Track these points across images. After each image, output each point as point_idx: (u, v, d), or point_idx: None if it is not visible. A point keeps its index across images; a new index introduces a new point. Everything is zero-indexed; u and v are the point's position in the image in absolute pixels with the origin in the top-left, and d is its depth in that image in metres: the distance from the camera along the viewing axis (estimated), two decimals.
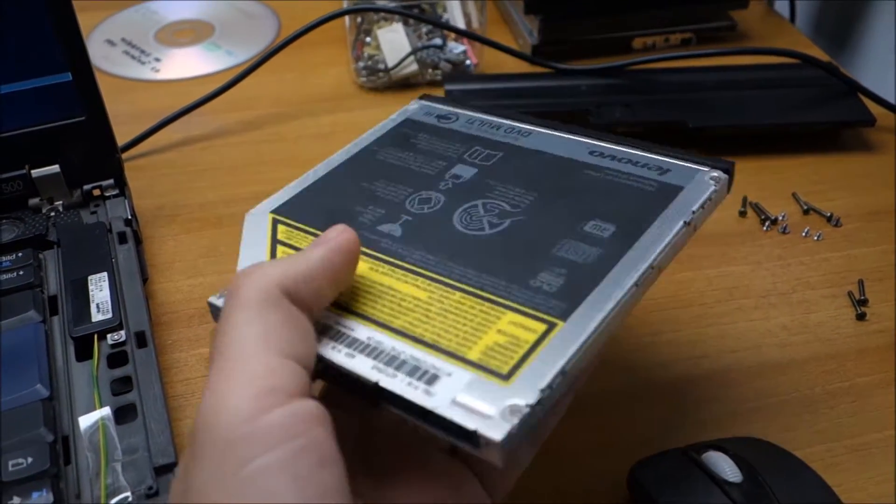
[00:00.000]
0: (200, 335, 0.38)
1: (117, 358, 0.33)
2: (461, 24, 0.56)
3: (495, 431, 0.20)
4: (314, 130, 0.52)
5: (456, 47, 0.56)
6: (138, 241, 0.41)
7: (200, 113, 0.52)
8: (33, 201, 0.41)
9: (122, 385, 0.32)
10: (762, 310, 0.38)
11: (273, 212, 0.31)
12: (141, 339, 0.34)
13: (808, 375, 0.35)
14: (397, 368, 0.23)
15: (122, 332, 0.34)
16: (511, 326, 0.23)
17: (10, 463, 0.28)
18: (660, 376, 0.35)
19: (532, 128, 0.33)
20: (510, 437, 0.20)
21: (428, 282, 0.25)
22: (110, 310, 0.35)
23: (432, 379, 0.22)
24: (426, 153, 0.32)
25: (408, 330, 0.24)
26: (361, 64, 0.56)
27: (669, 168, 0.29)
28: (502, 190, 0.29)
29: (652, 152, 0.30)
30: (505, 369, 0.22)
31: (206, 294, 0.40)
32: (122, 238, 0.39)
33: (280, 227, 0.29)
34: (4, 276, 0.36)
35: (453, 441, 0.21)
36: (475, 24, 0.57)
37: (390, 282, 0.25)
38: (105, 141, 0.42)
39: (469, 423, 0.21)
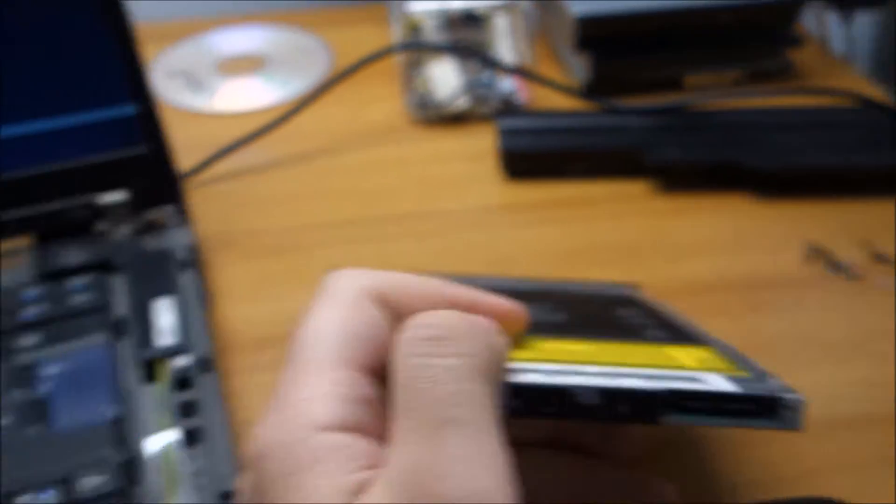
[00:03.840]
0: (260, 362, 0.38)
1: (182, 382, 0.34)
2: (511, 61, 0.57)
3: (794, 395, 0.21)
4: (367, 163, 0.53)
5: (506, 83, 0.57)
6: (200, 268, 0.42)
7: (255, 144, 0.53)
8: (99, 227, 0.42)
9: (186, 409, 0.32)
10: (834, 362, 0.37)
11: None
12: (206, 365, 0.34)
13: (887, 433, 0.34)
14: (661, 380, 0.21)
15: (187, 357, 0.34)
16: (683, 354, 0.24)
17: (83, 480, 0.29)
18: (729, 432, 0.34)
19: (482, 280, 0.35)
20: (804, 402, 0.21)
21: (578, 340, 0.25)
22: (175, 334, 0.35)
23: (692, 379, 0.21)
24: None
25: (621, 363, 0.23)
26: (412, 99, 0.57)
27: None
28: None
29: None
30: (738, 372, 0.23)
31: (264, 321, 0.40)
32: (185, 264, 0.40)
33: None
34: (76, 298, 0.37)
35: (744, 424, 0.21)
36: (526, 60, 0.58)
37: (550, 345, 0.25)
38: (167, 170, 0.43)
39: (776, 393, 0.21)
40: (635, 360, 0.23)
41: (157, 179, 0.43)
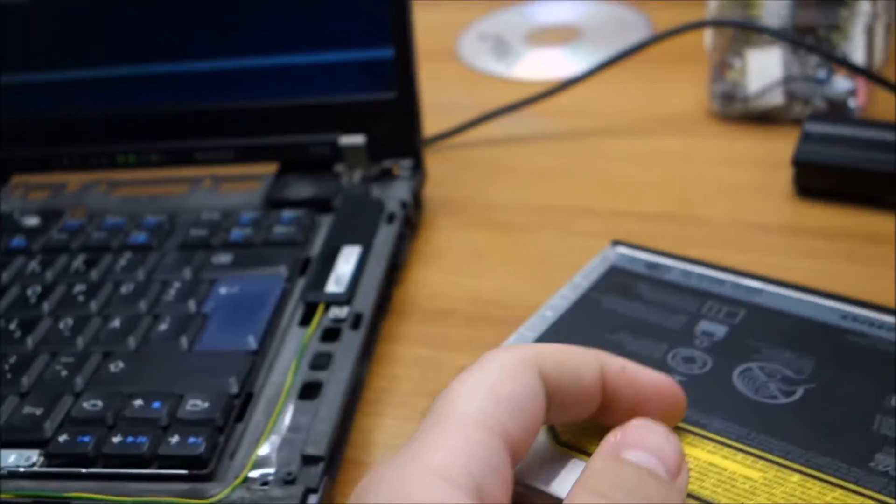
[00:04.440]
0: (428, 335, 0.35)
1: (331, 333, 0.32)
2: (860, 59, 0.46)
3: None
4: (640, 151, 0.47)
5: (842, 83, 0.45)
6: (412, 226, 0.40)
7: (530, 113, 0.50)
8: (338, 167, 0.43)
9: (320, 361, 0.31)
10: None
11: None
12: (356, 321, 0.32)
13: None
14: None
15: (346, 309, 0.33)
16: None
17: (189, 402, 0.29)
18: None
19: (759, 285, 0.30)
20: None
21: (752, 458, 0.23)
22: (346, 284, 0.34)
23: None
24: (657, 305, 0.30)
25: None
26: (719, 87, 0.48)
27: None
28: (770, 352, 0.27)
29: None
30: None
31: (455, 294, 0.37)
32: (391, 218, 0.39)
33: None
34: (278, 229, 0.38)
35: None
36: (878, 60, 0.46)
37: (705, 456, 0.23)
38: (411, 121, 0.42)
39: None
40: None
41: (400, 129, 0.42)
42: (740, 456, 0.23)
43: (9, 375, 0.31)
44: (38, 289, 0.35)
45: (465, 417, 0.19)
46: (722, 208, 0.41)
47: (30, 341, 0.33)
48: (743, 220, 0.40)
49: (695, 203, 0.42)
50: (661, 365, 0.27)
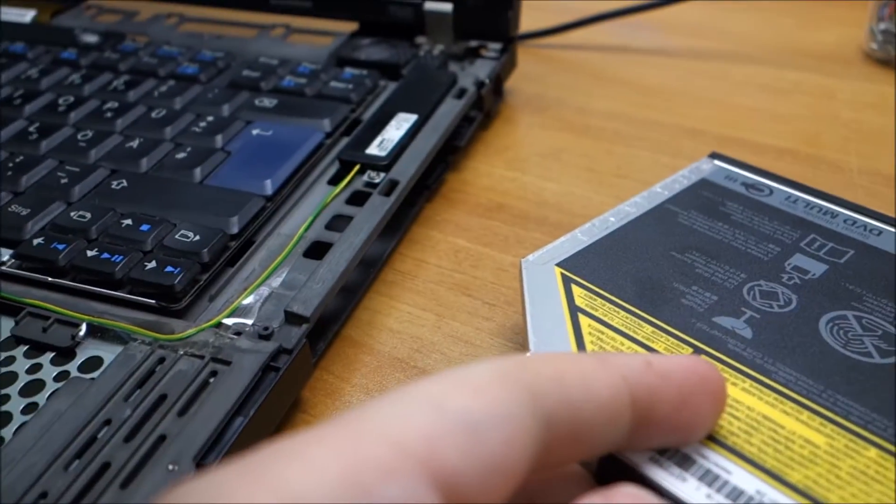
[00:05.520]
0: (473, 227, 0.31)
1: (359, 197, 0.28)
2: None
3: None
4: (769, 81, 0.40)
5: None
6: (486, 114, 0.36)
7: (648, 25, 0.44)
8: (419, 39, 0.38)
9: (336, 223, 0.27)
10: None
11: (559, 265, 0.24)
12: (390, 189, 0.28)
13: None
14: None
15: (382, 175, 0.29)
16: None
17: (180, 232, 0.25)
18: None
19: (880, 225, 0.25)
20: None
21: (820, 420, 0.18)
22: (389, 150, 0.30)
23: None
24: (746, 229, 0.25)
25: (812, 492, 0.17)
26: (882, 26, 0.41)
27: None
28: (874, 303, 0.22)
29: None
30: None
31: (514, 191, 0.32)
32: (460, 94, 0.34)
33: (575, 290, 0.23)
34: (335, 84, 0.34)
35: None
36: None
37: (762, 407, 0.19)
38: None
39: None
40: (850, 492, 0.16)
41: (489, 3, 0.37)
42: (806, 415, 0.18)
43: (10, 173, 0.28)
44: (71, 99, 0.33)
45: (371, 429, 0.13)
46: (857, 154, 0.34)
47: (44, 145, 0.30)
48: (880, 172, 0.33)
49: (825, 144, 0.35)
50: (732, 297, 0.22)
